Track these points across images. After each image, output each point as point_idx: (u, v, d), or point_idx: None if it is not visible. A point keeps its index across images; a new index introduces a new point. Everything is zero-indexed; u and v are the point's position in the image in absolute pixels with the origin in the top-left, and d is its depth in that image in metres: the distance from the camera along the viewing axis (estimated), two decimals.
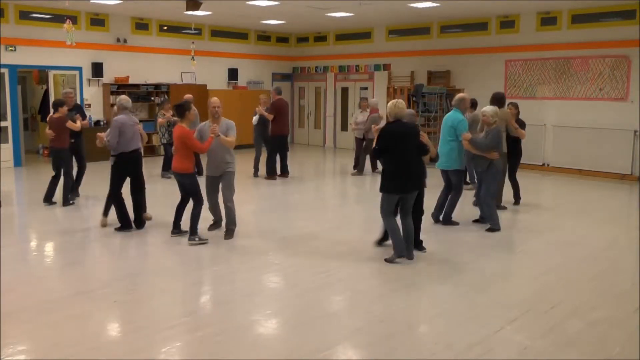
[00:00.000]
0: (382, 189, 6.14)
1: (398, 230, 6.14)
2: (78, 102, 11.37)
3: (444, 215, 7.80)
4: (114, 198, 7.28)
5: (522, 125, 9.02)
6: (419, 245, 6.50)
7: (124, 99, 7.50)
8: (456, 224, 7.79)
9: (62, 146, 8.69)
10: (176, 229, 7.06)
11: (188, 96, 10.88)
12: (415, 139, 6.12)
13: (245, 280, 5.62)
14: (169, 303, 5.05)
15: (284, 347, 4.20)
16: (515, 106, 9.02)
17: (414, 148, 6.08)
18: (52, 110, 8.97)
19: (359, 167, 12.21)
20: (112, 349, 4.10)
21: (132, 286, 5.44)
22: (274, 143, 11.43)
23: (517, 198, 9.25)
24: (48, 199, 8.76)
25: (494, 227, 7.51)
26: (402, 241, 6.12)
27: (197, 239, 6.73)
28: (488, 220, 7.58)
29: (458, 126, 7.55)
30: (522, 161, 12.38)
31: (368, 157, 12.09)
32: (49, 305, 4.88)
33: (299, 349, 4.12)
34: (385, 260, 6.12)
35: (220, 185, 7.01)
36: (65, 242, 7.10)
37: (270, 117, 11.24)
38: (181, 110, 6.95)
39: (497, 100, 8.36)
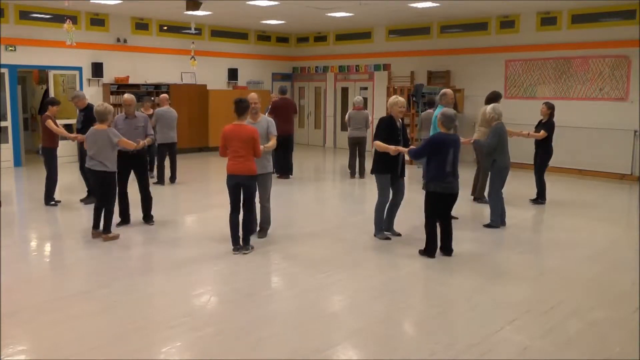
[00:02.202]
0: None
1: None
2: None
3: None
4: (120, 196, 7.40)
5: (551, 127, 9.04)
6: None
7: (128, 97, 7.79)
8: (454, 218, 7.77)
9: (52, 146, 8.61)
10: (238, 244, 6.42)
11: (164, 96, 10.93)
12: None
13: (245, 280, 5.62)
14: (169, 303, 5.05)
15: (284, 347, 4.20)
16: (549, 106, 9.12)
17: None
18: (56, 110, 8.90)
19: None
20: (112, 349, 4.10)
21: (132, 286, 5.44)
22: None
23: (541, 196, 9.25)
24: (49, 199, 8.75)
25: (493, 224, 7.58)
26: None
27: (250, 248, 6.47)
28: (491, 215, 7.67)
29: (435, 121, 7.71)
30: (522, 161, 12.49)
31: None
32: (49, 305, 4.88)
33: (299, 349, 4.12)
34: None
35: (257, 186, 6.72)
36: (65, 242, 7.11)
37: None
38: (239, 109, 6.23)
39: (493, 98, 8.60)
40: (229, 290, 5.38)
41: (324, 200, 10.42)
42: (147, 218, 7.72)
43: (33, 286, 5.43)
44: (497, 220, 7.61)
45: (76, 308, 4.83)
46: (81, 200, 8.98)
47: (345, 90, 17.28)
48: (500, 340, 4.29)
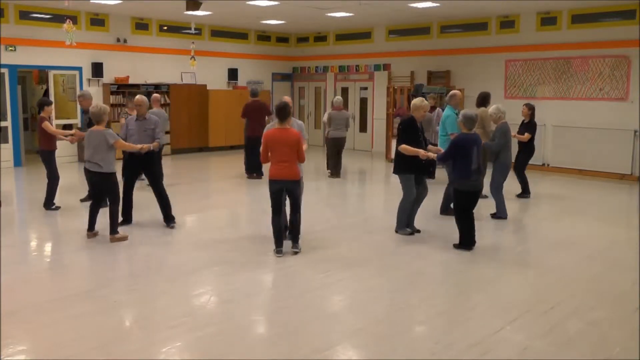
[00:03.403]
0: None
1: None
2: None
3: (442, 206, 8.26)
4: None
5: (533, 127, 9.49)
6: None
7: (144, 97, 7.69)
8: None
9: (50, 148, 8.39)
10: (282, 245, 6.42)
11: (155, 96, 10.53)
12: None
13: (245, 280, 5.62)
14: (169, 303, 5.05)
15: (284, 347, 4.20)
16: (530, 107, 9.58)
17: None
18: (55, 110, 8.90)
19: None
20: (112, 349, 4.10)
21: (132, 286, 5.44)
22: (245, 144, 11.56)
23: (525, 191, 9.71)
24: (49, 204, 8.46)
25: (502, 215, 8.02)
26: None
27: (299, 247, 6.47)
28: (497, 208, 8.08)
29: (446, 122, 8.22)
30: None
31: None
32: (49, 305, 4.88)
33: (299, 349, 4.12)
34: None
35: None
36: (65, 242, 7.11)
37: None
38: (284, 113, 6.15)
39: (483, 98, 8.94)
40: (229, 290, 5.38)
41: (323, 200, 10.41)
42: (168, 220, 7.52)
43: (33, 286, 5.43)
44: (504, 210, 8.02)
45: (76, 308, 4.83)
46: (81, 200, 8.96)
47: (345, 90, 17.27)
48: (500, 340, 4.30)
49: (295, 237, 6.49)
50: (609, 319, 4.72)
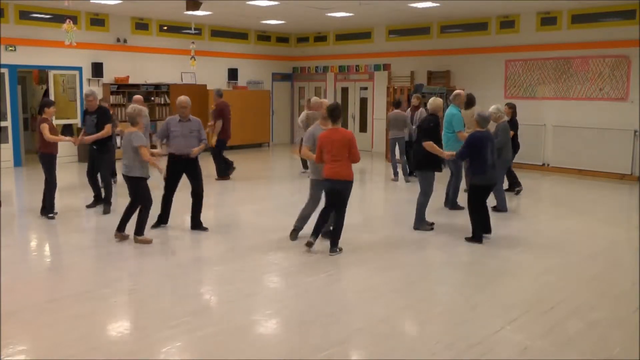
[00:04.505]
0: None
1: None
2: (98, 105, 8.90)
3: (450, 201, 8.71)
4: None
5: (515, 126, 9.87)
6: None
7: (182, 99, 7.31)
8: (461, 208, 8.48)
9: (51, 152, 7.84)
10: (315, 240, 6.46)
11: (138, 97, 10.11)
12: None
13: (245, 280, 5.62)
14: (169, 303, 5.05)
15: (284, 347, 4.20)
16: (511, 106, 10.00)
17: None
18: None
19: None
20: (112, 349, 4.10)
21: (132, 286, 5.44)
22: (220, 147, 11.24)
23: (516, 184, 10.04)
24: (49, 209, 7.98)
25: (502, 208, 8.46)
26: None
27: (338, 249, 6.42)
28: (498, 201, 8.48)
29: (453, 120, 8.50)
30: (522, 161, 12.56)
31: None
32: (49, 305, 4.88)
33: (299, 349, 4.12)
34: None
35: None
36: (65, 242, 7.11)
37: (213, 125, 11.01)
38: (337, 114, 6.30)
39: (470, 100, 9.35)
40: (229, 290, 5.38)
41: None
42: (196, 225, 7.33)
43: (33, 286, 5.43)
44: (504, 204, 8.48)
45: (76, 308, 4.83)
46: (87, 207, 8.59)
47: (345, 90, 17.28)
48: (500, 340, 4.30)
49: (334, 241, 6.38)
50: (609, 319, 4.72)
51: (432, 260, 6.32)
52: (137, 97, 10.20)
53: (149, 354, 4.02)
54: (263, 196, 10.14)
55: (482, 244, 6.82)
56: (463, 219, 8.02)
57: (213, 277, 5.86)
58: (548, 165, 13.00)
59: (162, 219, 7.42)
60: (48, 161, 7.89)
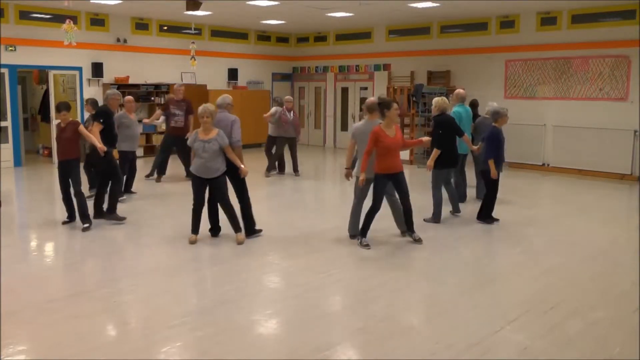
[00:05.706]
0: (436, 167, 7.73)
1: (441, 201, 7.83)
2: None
3: (455, 207, 8.69)
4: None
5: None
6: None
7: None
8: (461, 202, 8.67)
9: (69, 158, 7.33)
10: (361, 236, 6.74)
11: (128, 98, 9.57)
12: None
13: (245, 280, 5.63)
14: (169, 303, 5.05)
15: (284, 347, 4.20)
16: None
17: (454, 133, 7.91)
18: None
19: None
20: (112, 349, 4.10)
21: (132, 286, 5.44)
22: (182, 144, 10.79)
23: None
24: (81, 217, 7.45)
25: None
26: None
27: (365, 242, 6.65)
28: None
29: (463, 118, 8.71)
30: (522, 161, 12.58)
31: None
32: (49, 305, 4.88)
33: (299, 349, 4.13)
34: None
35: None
36: (65, 242, 7.11)
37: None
38: (382, 107, 6.54)
39: (474, 105, 10.00)
40: (229, 290, 5.38)
41: (323, 200, 10.42)
42: (215, 230, 7.16)
43: (33, 286, 5.43)
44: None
45: (76, 308, 4.83)
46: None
47: (345, 90, 17.28)
48: (500, 340, 4.30)
49: (411, 224, 6.84)
50: (609, 319, 4.72)
51: (432, 260, 6.32)
52: (128, 97, 9.59)
53: (149, 354, 4.03)
54: (263, 196, 10.14)
55: (482, 244, 6.82)
56: (463, 219, 8.03)
57: (213, 277, 5.86)
58: (548, 165, 13.01)
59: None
60: (66, 167, 7.36)
